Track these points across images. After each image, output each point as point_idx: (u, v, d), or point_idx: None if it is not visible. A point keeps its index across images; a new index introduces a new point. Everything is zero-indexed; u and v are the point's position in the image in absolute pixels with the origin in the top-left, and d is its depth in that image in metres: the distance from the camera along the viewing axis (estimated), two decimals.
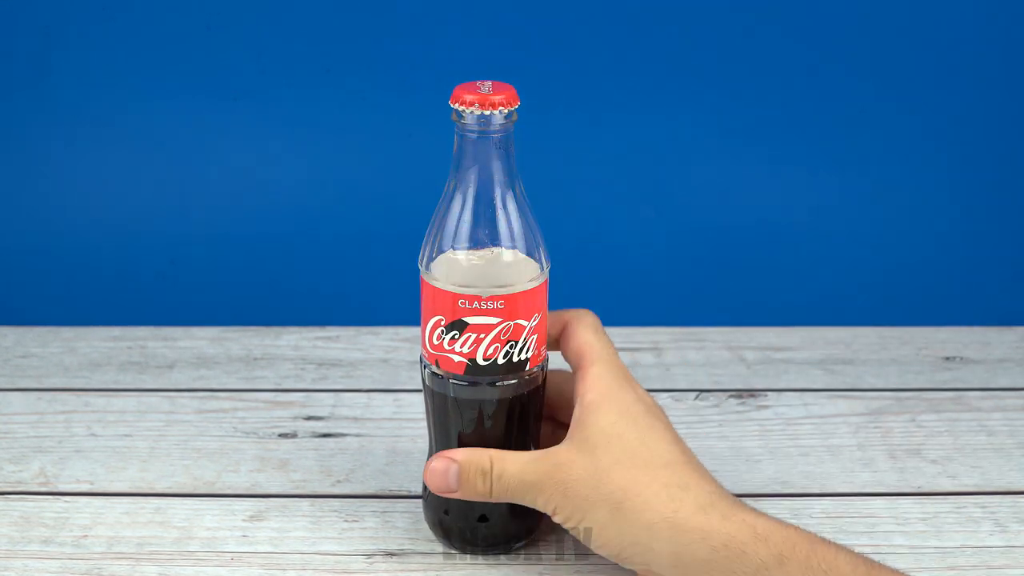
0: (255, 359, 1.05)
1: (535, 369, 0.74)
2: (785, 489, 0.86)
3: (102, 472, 0.87)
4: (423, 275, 0.73)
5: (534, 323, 0.73)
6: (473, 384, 0.73)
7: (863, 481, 0.87)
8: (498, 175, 0.72)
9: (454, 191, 0.72)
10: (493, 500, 0.72)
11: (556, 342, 0.77)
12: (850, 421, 0.95)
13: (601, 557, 0.73)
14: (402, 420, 0.95)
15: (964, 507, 0.84)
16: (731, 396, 0.99)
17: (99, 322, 1.10)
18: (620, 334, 1.09)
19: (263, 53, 1.03)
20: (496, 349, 0.72)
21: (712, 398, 0.98)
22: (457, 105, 0.71)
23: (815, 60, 1.04)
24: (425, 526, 0.80)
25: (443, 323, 0.72)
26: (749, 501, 0.84)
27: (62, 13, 1.02)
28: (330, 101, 1.04)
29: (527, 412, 0.75)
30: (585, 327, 0.75)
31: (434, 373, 0.74)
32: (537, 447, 0.76)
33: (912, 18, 1.04)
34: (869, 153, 1.07)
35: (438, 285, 0.72)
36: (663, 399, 0.98)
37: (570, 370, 0.77)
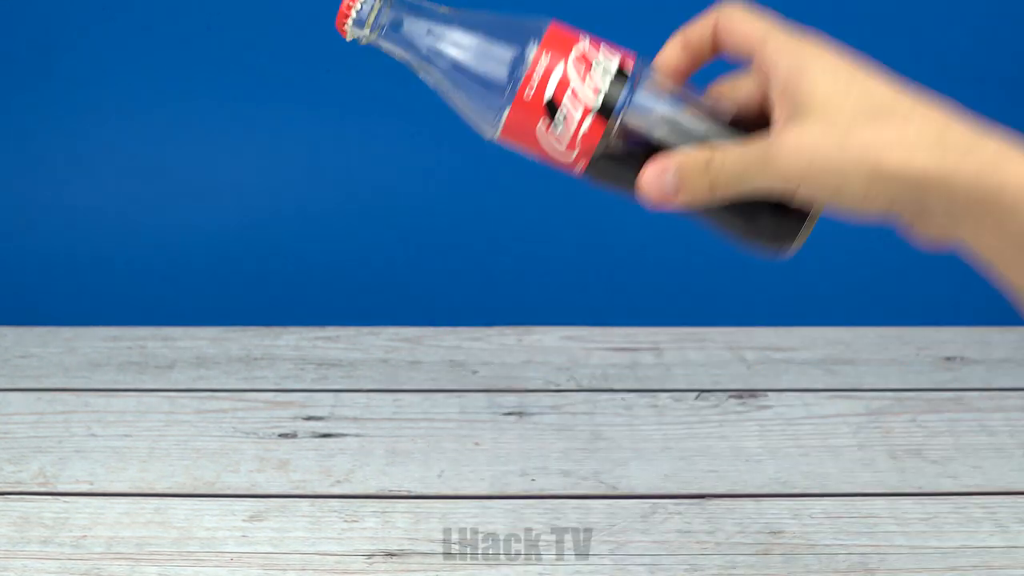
0: (255, 359, 1.05)
1: (637, 61, 0.68)
2: (785, 489, 0.86)
3: (102, 472, 0.87)
4: (499, 136, 0.68)
5: (586, 42, 0.68)
6: (614, 124, 0.67)
7: (863, 481, 0.87)
8: (432, 21, 0.68)
9: (430, 73, 0.68)
10: (720, 194, 0.64)
11: (712, 50, 0.68)
12: (850, 421, 0.95)
13: (601, 558, 0.73)
14: (402, 420, 0.95)
15: (965, 507, 0.83)
16: (731, 396, 0.99)
17: (99, 322, 1.10)
18: (620, 334, 1.09)
19: (263, 53, 1.03)
20: (590, 77, 0.67)
21: (712, 398, 0.98)
22: (346, 27, 0.70)
23: None
24: (426, 526, 0.80)
25: (547, 121, 0.67)
26: (749, 501, 0.84)
27: (62, 13, 1.02)
28: (330, 101, 1.04)
29: (680, 96, 0.68)
30: (739, 19, 0.67)
31: (598, 159, 0.68)
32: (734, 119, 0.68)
33: (912, 18, 1.03)
34: None
35: (508, 111, 0.66)
36: (663, 399, 0.98)
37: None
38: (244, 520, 0.82)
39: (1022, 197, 0.59)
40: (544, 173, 1.13)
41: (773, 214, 0.68)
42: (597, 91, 0.67)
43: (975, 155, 0.59)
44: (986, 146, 0.60)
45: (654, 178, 0.65)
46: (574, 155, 0.68)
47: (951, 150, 0.60)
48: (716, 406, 0.97)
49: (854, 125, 0.61)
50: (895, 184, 0.60)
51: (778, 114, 0.64)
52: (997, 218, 0.59)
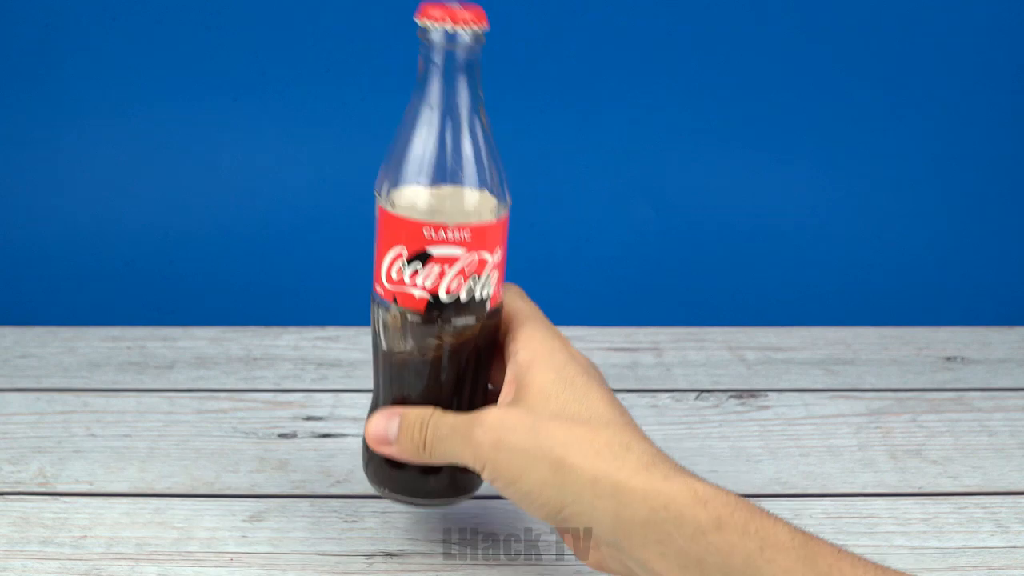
0: (255, 359, 1.05)
1: (494, 310, 0.71)
2: (785, 489, 0.86)
3: (101, 472, 0.87)
4: (382, 204, 0.68)
5: (496, 258, 0.69)
6: (431, 322, 0.68)
7: (864, 481, 0.87)
8: (463, 102, 0.67)
9: (416, 116, 0.68)
10: (426, 455, 0.70)
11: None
12: (850, 421, 0.95)
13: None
14: None
15: (965, 508, 0.84)
16: (731, 396, 0.99)
17: (99, 322, 1.10)
18: (620, 334, 1.09)
19: (263, 53, 1.03)
20: (459, 283, 0.68)
21: (712, 398, 0.98)
22: (423, 20, 0.66)
23: (816, 59, 1.04)
24: (426, 526, 0.80)
25: (404, 255, 0.67)
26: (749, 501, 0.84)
27: (63, 13, 1.02)
28: (330, 101, 1.04)
29: (481, 358, 0.71)
30: (512, 295, 0.74)
31: (389, 311, 0.69)
32: (486, 398, 0.74)
33: (912, 16, 1.04)
34: (869, 152, 1.07)
35: (401, 214, 0.67)
36: (663, 399, 0.98)
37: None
38: (244, 520, 0.82)
39: (686, 514, 0.63)
40: (543, 174, 1.13)
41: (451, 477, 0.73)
42: (451, 293, 0.69)
43: (650, 472, 0.65)
44: (660, 465, 0.66)
45: (382, 422, 0.72)
46: (387, 292, 0.70)
47: (629, 464, 0.65)
48: (716, 406, 0.97)
49: (552, 420, 0.67)
50: (573, 478, 0.65)
51: (503, 397, 0.70)
52: (662, 533, 0.63)
